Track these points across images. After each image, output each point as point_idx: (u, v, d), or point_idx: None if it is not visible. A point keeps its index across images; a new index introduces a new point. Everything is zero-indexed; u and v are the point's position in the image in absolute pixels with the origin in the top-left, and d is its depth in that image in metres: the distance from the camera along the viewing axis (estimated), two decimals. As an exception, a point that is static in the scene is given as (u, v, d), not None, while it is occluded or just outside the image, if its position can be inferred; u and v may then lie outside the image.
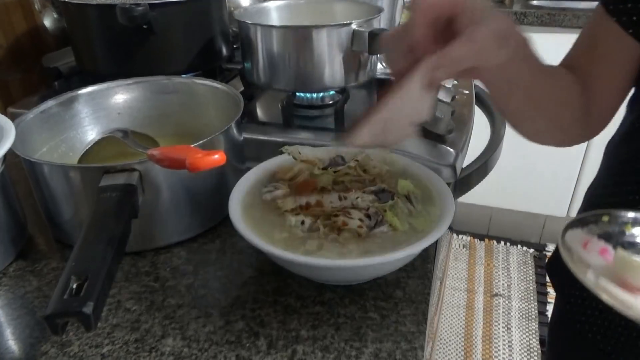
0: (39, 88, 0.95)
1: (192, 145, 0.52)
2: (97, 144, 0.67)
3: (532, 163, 2.00)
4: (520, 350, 1.74)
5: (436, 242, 0.58)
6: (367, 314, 0.50)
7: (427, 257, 0.57)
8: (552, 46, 2.03)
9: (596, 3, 0.55)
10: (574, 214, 2.12)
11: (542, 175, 2.05)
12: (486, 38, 0.39)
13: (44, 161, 0.56)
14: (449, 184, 0.61)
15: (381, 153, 0.62)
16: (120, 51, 0.83)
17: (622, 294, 0.39)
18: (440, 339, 1.78)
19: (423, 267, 0.56)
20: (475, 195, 1.55)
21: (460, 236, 2.29)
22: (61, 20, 1.03)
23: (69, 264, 0.40)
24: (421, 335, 0.47)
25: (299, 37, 0.77)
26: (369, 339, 0.47)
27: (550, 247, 2.21)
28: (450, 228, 0.97)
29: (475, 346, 1.76)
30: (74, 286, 0.39)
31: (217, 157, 0.44)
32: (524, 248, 2.21)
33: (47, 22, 1.03)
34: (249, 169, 0.61)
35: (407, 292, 0.52)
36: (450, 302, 1.93)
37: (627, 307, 0.38)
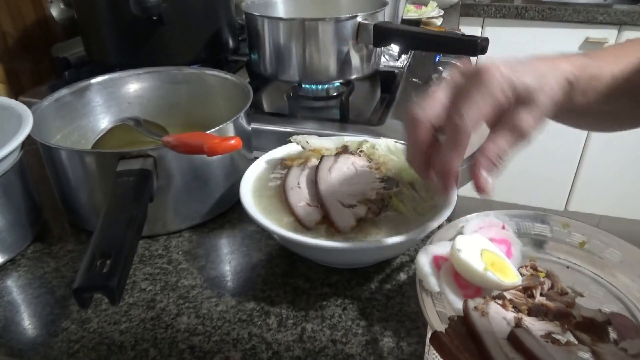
0: (49, 78, 0.96)
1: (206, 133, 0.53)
2: (109, 132, 0.69)
3: (531, 157, 2.03)
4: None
5: (439, 228, 0.60)
6: (373, 296, 0.52)
7: None
8: (553, 41, 2.05)
9: None
10: (572, 208, 2.15)
11: (541, 170, 2.07)
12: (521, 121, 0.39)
13: (62, 146, 0.58)
14: None
15: (386, 142, 0.64)
16: (129, 42, 0.85)
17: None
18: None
19: None
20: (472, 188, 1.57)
21: (460, 230, 2.30)
22: (69, 11, 1.05)
23: (93, 242, 0.42)
24: (424, 315, 0.49)
25: (306, 29, 0.79)
26: (375, 318, 0.49)
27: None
28: (450, 220, 0.99)
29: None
30: (98, 263, 0.41)
31: (234, 142, 0.46)
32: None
33: (55, 12, 1.04)
34: (256, 159, 0.63)
35: (411, 276, 0.54)
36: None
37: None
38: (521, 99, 0.39)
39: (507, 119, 0.40)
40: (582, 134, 2.03)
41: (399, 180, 0.57)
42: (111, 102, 0.74)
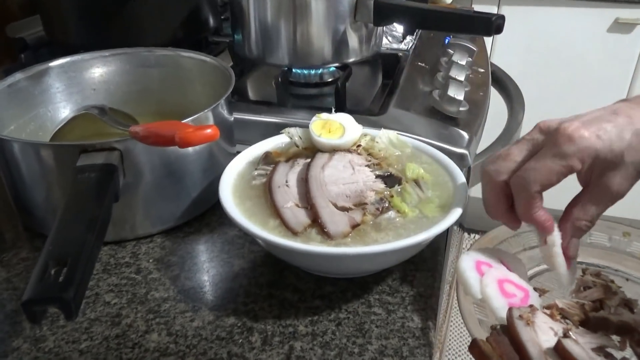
0: (2, 61, 0.95)
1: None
2: (71, 122, 0.68)
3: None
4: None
5: (447, 234, 0.60)
6: (371, 309, 0.51)
7: (438, 249, 0.59)
8: (578, 22, 2.04)
9: None
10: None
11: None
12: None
13: (15, 138, 0.57)
14: (461, 171, 0.62)
15: (387, 134, 0.63)
16: (95, 20, 0.84)
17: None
18: (449, 350, 1.80)
19: (433, 259, 0.57)
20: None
21: (473, 235, 2.31)
22: (26, -15, 1.04)
23: (46, 248, 0.42)
24: (430, 332, 0.49)
25: (296, 5, 0.78)
26: (374, 335, 0.48)
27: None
28: (462, 226, 0.99)
29: (488, 358, 1.78)
30: (52, 272, 0.40)
31: (210, 132, 0.45)
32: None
33: (10, -13, 1.03)
34: (239, 152, 0.62)
35: (415, 286, 0.54)
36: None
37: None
38: (609, 165, 0.43)
39: (595, 183, 0.44)
40: None
41: (402, 178, 0.57)
42: (73, 88, 0.73)
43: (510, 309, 0.43)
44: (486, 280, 0.46)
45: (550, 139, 0.44)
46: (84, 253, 0.42)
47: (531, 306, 0.44)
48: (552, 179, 0.44)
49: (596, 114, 0.45)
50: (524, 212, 0.46)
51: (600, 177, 0.44)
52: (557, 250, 0.47)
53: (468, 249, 0.49)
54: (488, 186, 0.48)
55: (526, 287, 0.47)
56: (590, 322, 0.44)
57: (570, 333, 0.41)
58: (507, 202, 0.48)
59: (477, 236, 2.30)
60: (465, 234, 2.29)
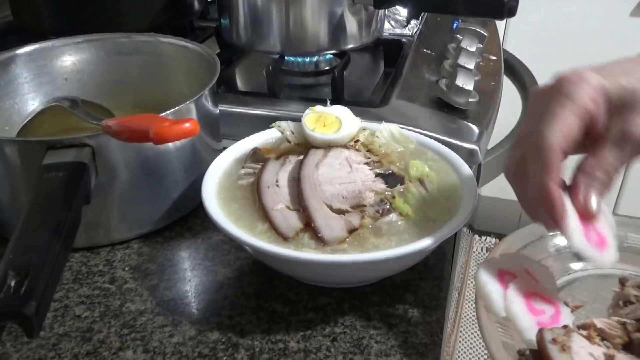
0: (-34, 48, 0.94)
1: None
2: (39, 115, 0.68)
3: None
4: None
5: (455, 238, 0.60)
6: (371, 323, 0.51)
7: (444, 255, 0.58)
8: (598, 5, 2.03)
9: None
10: (621, 210, 2.14)
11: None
12: None
13: (-26, 134, 0.56)
14: (470, 168, 0.61)
15: (389, 128, 0.63)
16: (67, 3, 0.84)
17: None
18: (458, 362, 1.80)
19: (439, 266, 0.57)
20: (502, 187, 1.56)
21: (484, 237, 2.31)
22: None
23: (6, 256, 0.41)
24: (436, 348, 0.48)
25: (289, -14, 0.78)
26: (373, 352, 0.48)
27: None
28: (472, 228, 0.98)
29: (501, 371, 1.78)
30: (12, 283, 0.39)
31: (189, 126, 0.44)
32: (562, 252, 2.24)
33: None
34: (225, 148, 0.62)
35: (420, 297, 0.53)
36: (470, 318, 1.95)
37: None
38: (625, 104, 0.41)
39: (613, 128, 0.41)
40: None
41: (405, 177, 0.56)
42: (42, 78, 0.72)
43: (541, 331, 0.41)
44: (511, 295, 0.43)
45: (553, 92, 0.42)
46: (48, 262, 0.41)
47: (565, 327, 0.41)
48: (570, 126, 0.41)
49: (609, 62, 0.44)
50: (536, 182, 0.41)
51: (618, 119, 0.42)
52: (577, 235, 0.42)
53: (487, 256, 0.47)
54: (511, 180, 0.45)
55: (556, 301, 0.45)
56: (634, 345, 0.41)
57: None
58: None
59: (488, 238, 2.30)
60: (476, 236, 2.28)
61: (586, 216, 0.42)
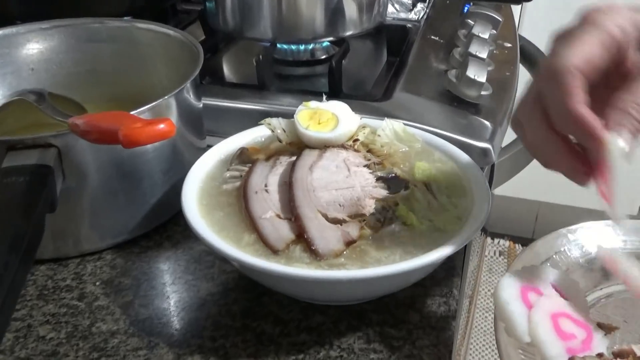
0: None
1: (131, 113, 0.51)
2: (2, 110, 0.67)
3: None
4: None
5: (465, 247, 0.60)
6: (371, 345, 0.50)
7: (453, 269, 0.58)
8: None
9: None
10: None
11: None
12: None
13: None
14: (482, 170, 0.61)
15: (392, 125, 0.63)
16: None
17: None
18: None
19: (447, 281, 0.56)
20: (518, 187, 1.56)
21: (497, 240, 2.31)
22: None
23: (-44, 274, 0.40)
24: (444, 374, 0.47)
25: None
26: (373, 379, 0.47)
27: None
28: (484, 229, 0.98)
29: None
30: (-36, 304, 0.38)
31: (163, 127, 0.44)
32: (581, 256, 2.24)
33: None
34: (210, 147, 0.61)
35: (425, 316, 0.53)
36: (482, 328, 1.95)
37: None
38: None
39: None
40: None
41: (410, 180, 0.56)
42: (6, 68, 0.72)
43: (572, 359, 0.39)
44: (536, 317, 0.42)
45: (580, 19, 0.43)
46: (4, 279, 0.40)
47: (600, 355, 0.40)
48: (592, 51, 0.40)
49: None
50: (561, 110, 0.40)
51: None
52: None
53: (508, 270, 0.45)
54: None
55: (588, 323, 0.44)
56: None
57: None
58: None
59: (502, 241, 2.29)
60: (488, 239, 2.28)
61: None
